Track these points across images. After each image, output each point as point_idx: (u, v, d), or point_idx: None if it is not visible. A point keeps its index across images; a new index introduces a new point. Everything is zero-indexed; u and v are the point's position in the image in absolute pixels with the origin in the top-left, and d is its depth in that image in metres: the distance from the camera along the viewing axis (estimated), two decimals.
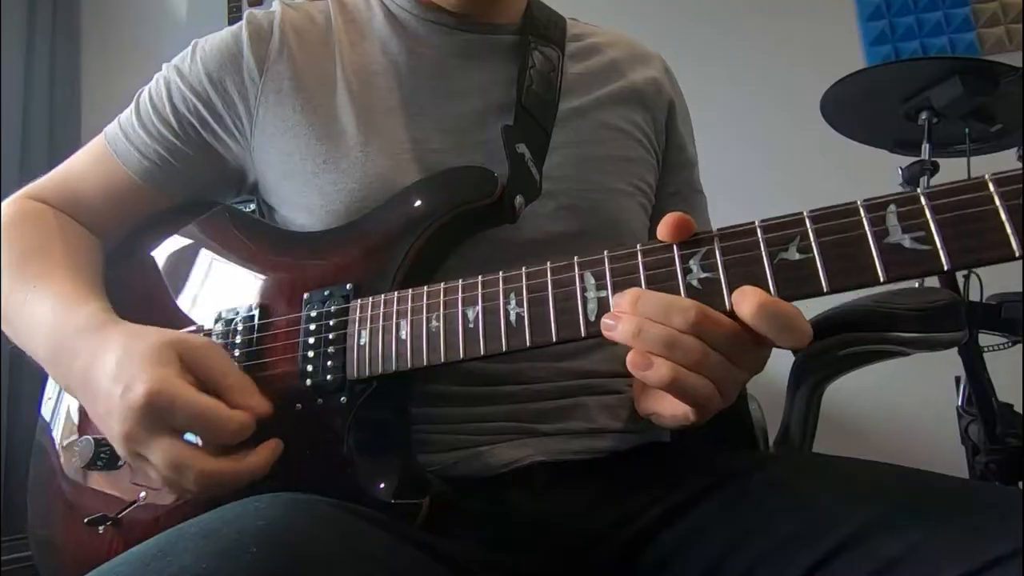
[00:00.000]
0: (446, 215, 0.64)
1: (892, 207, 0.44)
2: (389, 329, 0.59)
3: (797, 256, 0.46)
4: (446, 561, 0.55)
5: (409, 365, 0.58)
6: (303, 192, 0.72)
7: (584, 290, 0.52)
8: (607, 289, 0.51)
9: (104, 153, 0.79)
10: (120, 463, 0.67)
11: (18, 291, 0.70)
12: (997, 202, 0.42)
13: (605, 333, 0.50)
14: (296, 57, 0.75)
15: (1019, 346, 1.43)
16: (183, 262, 0.76)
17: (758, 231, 0.48)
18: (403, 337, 0.59)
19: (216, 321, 0.69)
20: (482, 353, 0.55)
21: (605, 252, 0.53)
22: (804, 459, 0.71)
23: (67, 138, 2.57)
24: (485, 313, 0.55)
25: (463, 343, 0.56)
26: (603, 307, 0.51)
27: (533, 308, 0.54)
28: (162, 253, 0.78)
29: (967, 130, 1.45)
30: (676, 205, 0.82)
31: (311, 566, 0.42)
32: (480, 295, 0.56)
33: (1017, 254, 0.41)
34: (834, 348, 0.78)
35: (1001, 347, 1.46)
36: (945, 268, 0.43)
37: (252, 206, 0.85)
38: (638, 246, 0.52)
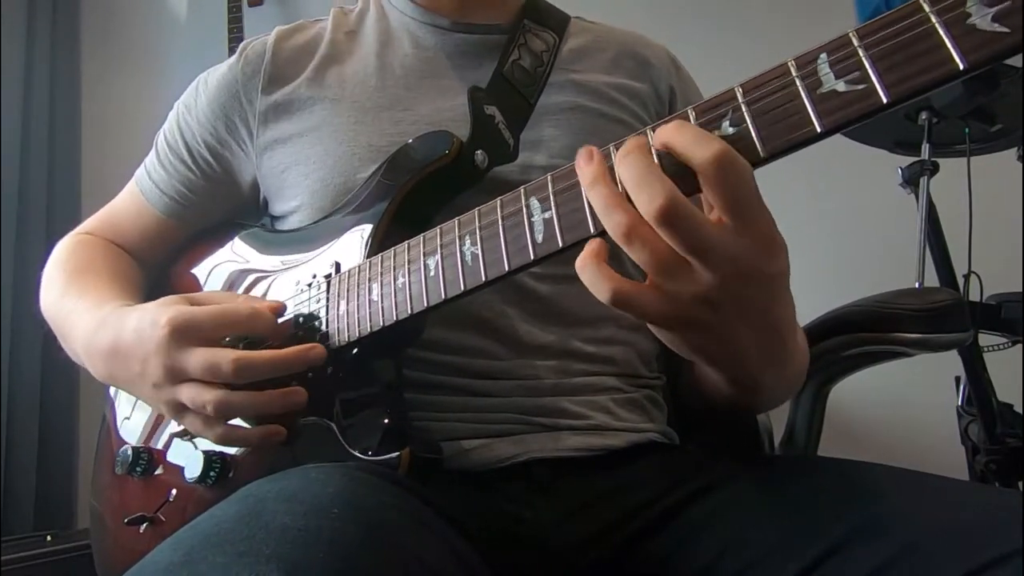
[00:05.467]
0: (410, 182, 0.67)
1: (823, 56, 0.42)
2: (363, 294, 0.63)
3: (731, 130, 0.44)
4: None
5: (382, 323, 0.60)
6: (296, 195, 0.76)
7: (530, 215, 0.52)
8: (551, 210, 0.51)
9: (135, 192, 0.88)
10: (157, 471, 0.74)
11: (65, 303, 0.78)
12: (933, 20, 0.38)
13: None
14: (287, 74, 0.80)
15: (1019, 346, 1.43)
16: (201, 278, 0.84)
17: (691, 115, 0.46)
18: (375, 298, 0.61)
19: None
20: (443, 297, 0.56)
21: (549, 175, 0.52)
22: (801, 461, 0.71)
23: (67, 138, 2.57)
24: (444, 259, 0.57)
25: (426, 292, 0.58)
26: (549, 228, 0.51)
27: (486, 244, 0.54)
28: (185, 271, 0.87)
29: (967, 130, 1.45)
30: None
31: (383, 527, 0.45)
32: (439, 244, 0.58)
33: (961, 68, 0.38)
34: (838, 349, 0.78)
35: (1001, 347, 1.46)
36: (885, 102, 0.40)
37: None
38: None
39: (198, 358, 0.61)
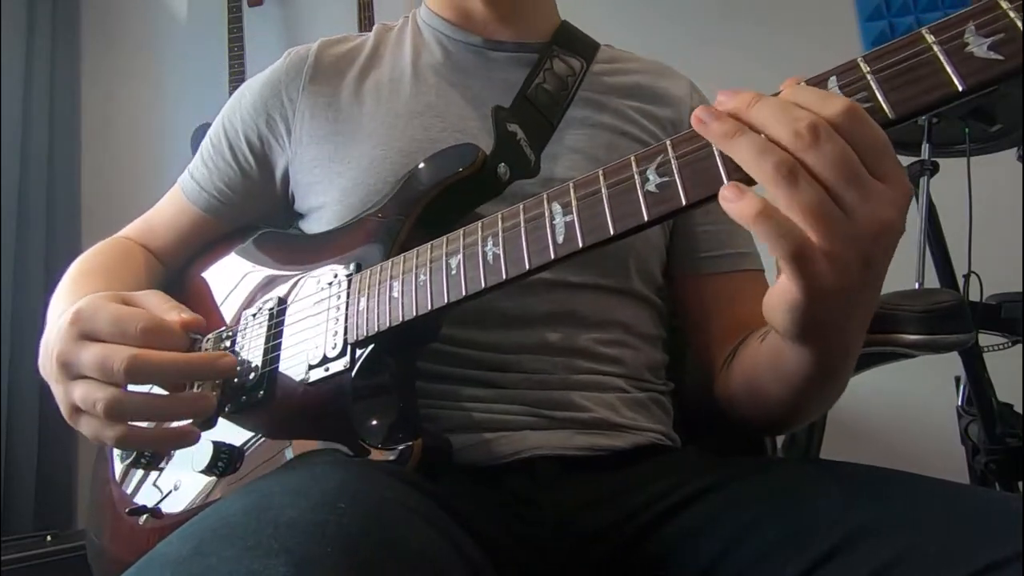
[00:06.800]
0: (434, 190, 0.69)
1: (833, 79, 0.45)
2: (384, 291, 0.64)
3: None
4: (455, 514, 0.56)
5: (401, 318, 0.62)
6: (327, 191, 0.79)
7: (552, 218, 0.54)
8: (572, 213, 0.53)
9: (176, 193, 0.91)
10: (162, 464, 0.73)
11: (60, 304, 0.75)
12: (935, 48, 0.42)
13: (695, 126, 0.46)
14: (329, 77, 0.83)
15: (1019, 346, 1.43)
16: (219, 278, 0.86)
17: None
18: (395, 295, 0.62)
19: (245, 319, 0.75)
20: (464, 294, 0.58)
21: (571, 182, 0.54)
22: (800, 463, 0.71)
23: (67, 139, 2.57)
24: (465, 259, 0.59)
25: (447, 289, 0.59)
26: (570, 230, 0.52)
27: (508, 244, 0.56)
28: (204, 273, 0.89)
29: (967, 130, 1.45)
30: (705, 216, 0.83)
31: (388, 522, 0.45)
32: (462, 244, 0.59)
33: (960, 90, 0.41)
34: None
35: (1001, 347, 1.46)
36: (890, 118, 0.44)
37: None
38: (601, 168, 0.53)
39: (91, 352, 0.57)
